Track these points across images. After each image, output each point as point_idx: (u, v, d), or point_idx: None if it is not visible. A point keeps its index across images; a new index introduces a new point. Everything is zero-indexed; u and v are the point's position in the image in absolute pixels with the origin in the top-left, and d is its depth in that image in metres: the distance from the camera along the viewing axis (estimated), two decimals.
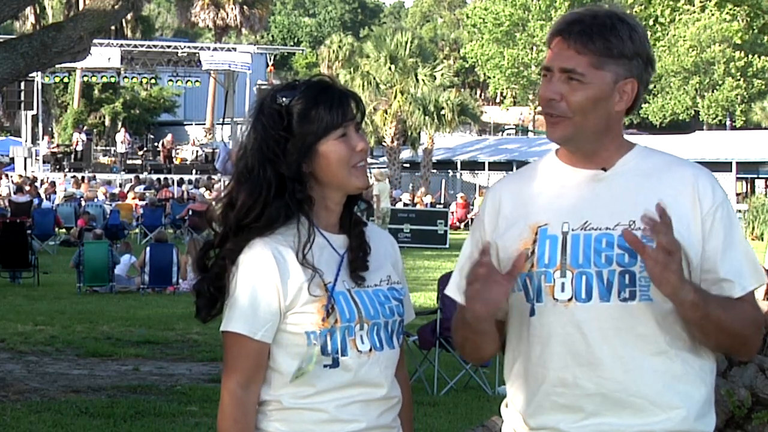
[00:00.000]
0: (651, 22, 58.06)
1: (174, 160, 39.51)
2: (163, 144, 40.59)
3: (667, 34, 55.42)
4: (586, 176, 2.47)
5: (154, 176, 35.27)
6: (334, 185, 2.52)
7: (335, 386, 2.49)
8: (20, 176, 32.69)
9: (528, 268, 2.45)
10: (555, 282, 2.42)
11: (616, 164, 2.47)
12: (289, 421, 2.50)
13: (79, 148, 38.57)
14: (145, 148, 41.97)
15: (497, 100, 67.83)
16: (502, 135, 59.20)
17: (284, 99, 2.50)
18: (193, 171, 37.32)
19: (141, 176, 35.06)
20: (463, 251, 2.63)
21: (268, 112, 2.51)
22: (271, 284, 2.45)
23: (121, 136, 41.44)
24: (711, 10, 55.30)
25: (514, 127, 62.93)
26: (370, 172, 24.20)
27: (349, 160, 2.50)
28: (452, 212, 33.75)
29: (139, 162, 39.05)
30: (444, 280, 9.57)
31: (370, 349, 2.50)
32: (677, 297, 2.30)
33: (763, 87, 55.31)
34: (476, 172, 47.64)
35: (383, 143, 42.76)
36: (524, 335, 2.48)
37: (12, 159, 37.81)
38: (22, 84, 32.88)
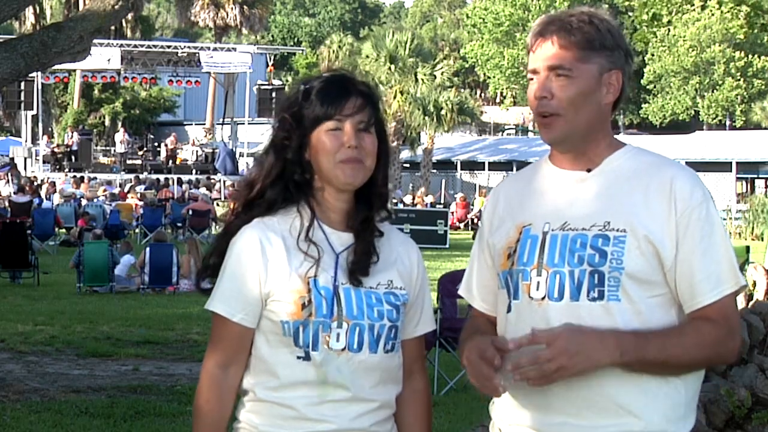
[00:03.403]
0: (651, 21, 58.08)
1: (175, 160, 39.52)
2: (166, 144, 40.62)
3: (668, 34, 55.43)
4: (572, 177, 2.51)
5: (154, 176, 35.25)
6: (324, 178, 2.54)
7: (302, 381, 2.48)
8: (20, 176, 32.68)
9: (509, 266, 2.51)
10: (531, 280, 2.45)
11: (600, 165, 2.49)
12: (260, 414, 2.52)
13: (74, 147, 38.54)
14: (145, 148, 41.95)
15: (497, 100, 67.83)
16: (502, 135, 59.20)
17: (301, 87, 2.57)
18: (193, 171, 37.30)
19: (141, 176, 35.04)
20: (472, 253, 2.70)
21: (284, 99, 2.60)
22: (253, 269, 2.49)
23: (120, 136, 41.42)
24: (711, 10, 55.29)
25: (514, 127, 62.94)
26: None
27: (336, 154, 2.50)
28: (452, 212, 33.74)
29: (139, 162, 39.01)
30: (444, 280, 9.57)
31: (344, 348, 2.48)
32: (597, 366, 2.33)
33: (763, 87, 55.30)
34: (476, 172, 47.65)
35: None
36: (503, 332, 2.53)
37: (12, 159, 37.79)
38: (22, 84, 32.86)
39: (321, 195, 2.55)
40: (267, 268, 2.48)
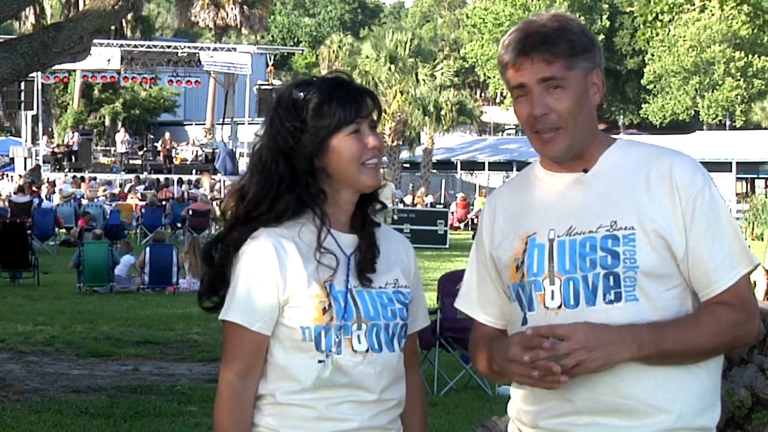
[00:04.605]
0: (651, 20, 58.06)
1: (174, 160, 39.51)
2: (162, 143, 40.61)
3: (668, 34, 55.42)
4: (569, 180, 2.47)
5: (154, 176, 35.24)
6: (345, 182, 2.52)
7: (326, 384, 2.48)
8: (20, 176, 32.69)
9: (519, 278, 2.47)
10: (545, 290, 2.41)
11: (596, 164, 2.46)
12: (280, 417, 2.51)
13: (75, 147, 38.56)
14: (145, 148, 41.96)
15: (497, 100, 67.85)
16: (502, 135, 59.22)
17: (300, 93, 2.51)
18: (193, 171, 37.28)
19: (141, 176, 35.05)
20: (469, 265, 2.65)
21: (284, 105, 2.53)
22: (270, 277, 2.46)
23: (121, 135, 41.43)
24: (711, 10, 55.32)
25: (514, 127, 62.96)
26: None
27: (360, 156, 2.49)
28: (452, 212, 33.74)
29: (139, 162, 39.02)
30: (444, 280, 9.57)
31: (367, 350, 2.49)
32: (612, 365, 2.31)
33: (763, 87, 55.32)
34: (476, 172, 47.64)
35: (383, 143, 42.65)
36: None
37: (12, 159, 37.77)
38: (22, 84, 32.82)
39: (333, 200, 2.54)
40: (285, 275, 2.46)
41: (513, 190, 2.60)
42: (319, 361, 2.47)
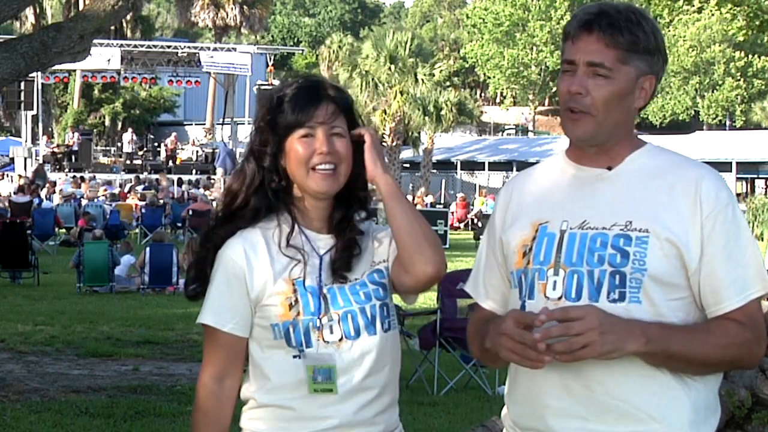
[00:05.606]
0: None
1: (175, 160, 39.54)
2: (166, 144, 40.62)
3: (668, 34, 55.36)
4: (591, 175, 2.44)
5: (154, 176, 35.26)
6: (297, 184, 2.55)
7: (299, 379, 2.49)
8: (20, 176, 32.69)
9: (524, 264, 2.44)
10: (548, 280, 2.38)
11: (622, 163, 2.43)
12: (263, 419, 2.54)
13: (75, 147, 38.59)
14: (145, 148, 41.97)
15: (497, 100, 67.84)
16: (502, 135, 59.21)
17: (278, 93, 2.57)
18: (193, 171, 37.31)
19: (141, 176, 35.06)
20: (479, 248, 2.64)
21: (264, 103, 2.59)
22: (239, 278, 2.51)
23: (129, 135, 41.56)
24: (711, 10, 55.32)
25: (514, 127, 62.95)
26: None
27: (309, 161, 2.51)
28: (452, 212, 33.74)
29: (139, 162, 39.05)
30: (444, 280, 9.52)
31: (341, 339, 2.49)
32: (620, 353, 2.25)
33: (763, 87, 55.34)
34: (476, 172, 47.64)
35: (383, 143, 42.69)
36: None
37: (12, 159, 37.78)
38: (22, 84, 32.84)
39: (301, 201, 2.56)
40: (252, 276, 2.51)
41: (533, 177, 2.57)
42: (294, 357, 2.48)
